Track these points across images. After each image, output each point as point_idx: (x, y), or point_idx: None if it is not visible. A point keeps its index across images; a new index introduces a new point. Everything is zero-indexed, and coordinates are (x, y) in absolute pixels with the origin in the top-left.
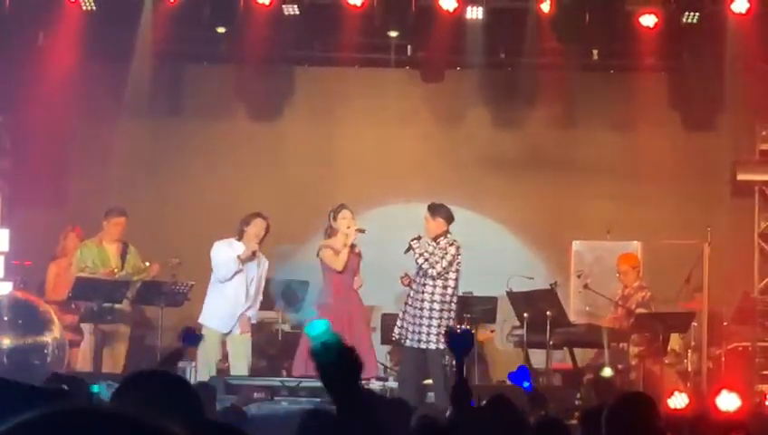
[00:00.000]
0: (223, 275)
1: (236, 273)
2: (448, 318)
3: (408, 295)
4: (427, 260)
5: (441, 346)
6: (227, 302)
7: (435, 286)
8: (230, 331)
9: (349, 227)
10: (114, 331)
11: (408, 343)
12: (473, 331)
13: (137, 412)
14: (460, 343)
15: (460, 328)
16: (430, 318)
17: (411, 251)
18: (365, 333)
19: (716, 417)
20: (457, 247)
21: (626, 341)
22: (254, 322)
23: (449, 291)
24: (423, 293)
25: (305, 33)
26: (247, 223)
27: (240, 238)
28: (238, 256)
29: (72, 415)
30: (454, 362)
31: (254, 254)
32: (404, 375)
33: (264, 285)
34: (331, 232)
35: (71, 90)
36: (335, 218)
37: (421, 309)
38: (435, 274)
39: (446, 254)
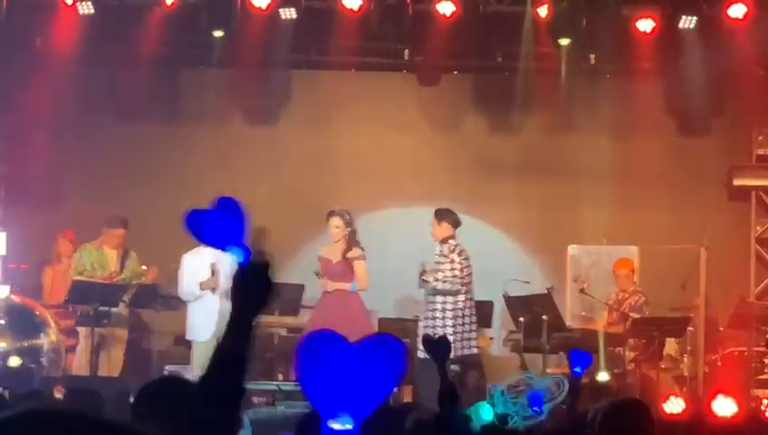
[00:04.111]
0: (184, 295)
1: (198, 297)
2: (463, 324)
3: (425, 310)
4: (444, 282)
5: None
6: (201, 311)
7: (446, 297)
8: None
9: (334, 237)
10: (111, 334)
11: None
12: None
13: (93, 413)
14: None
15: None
16: (444, 327)
17: (428, 283)
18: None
19: (712, 421)
20: (460, 252)
21: (622, 345)
22: None
23: (461, 298)
24: (435, 303)
25: (302, 37)
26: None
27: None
28: (200, 284)
29: (37, 417)
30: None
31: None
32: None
33: None
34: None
35: (68, 93)
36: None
37: (434, 319)
38: (457, 290)
39: (453, 263)
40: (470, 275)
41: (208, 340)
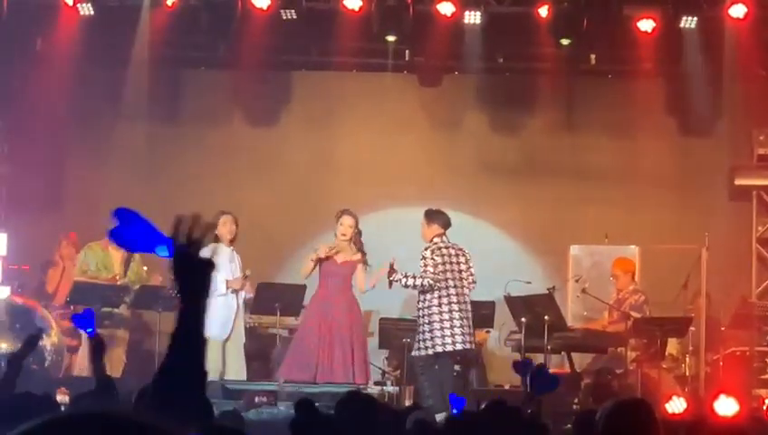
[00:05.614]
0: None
1: (220, 294)
2: (440, 321)
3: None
4: (415, 278)
5: (430, 351)
6: (222, 308)
7: (425, 295)
8: (229, 336)
9: (344, 235)
10: (112, 335)
11: (414, 352)
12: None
13: (142, 416)
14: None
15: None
16: (422, 325)
17: (398, 282)
18: (357, 340)
19: (714, 421)
20: (437, 249)
21: (623, 345)
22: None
23: (436, 295)
24: (418, 302)
25: (303, 37)
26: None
27: (215, 240)
28: (227, 281)
29: (81, 420)
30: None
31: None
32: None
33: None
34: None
35: (68, 95)
36: (336, 222)
37: (418, 317)
38: (428, 286)
39: (426, 260)
40: (454, 272)
41: (224, 338)
